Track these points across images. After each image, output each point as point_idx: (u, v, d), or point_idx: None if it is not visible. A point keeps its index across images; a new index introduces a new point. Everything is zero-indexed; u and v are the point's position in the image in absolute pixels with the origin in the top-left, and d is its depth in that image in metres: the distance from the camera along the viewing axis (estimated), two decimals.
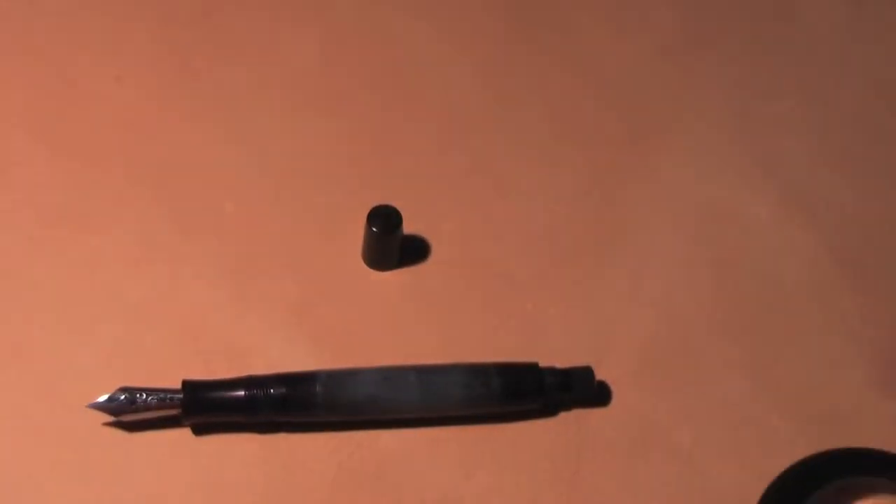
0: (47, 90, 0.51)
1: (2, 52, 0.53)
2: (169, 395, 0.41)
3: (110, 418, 0.41)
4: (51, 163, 0.49)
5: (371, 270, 0.48)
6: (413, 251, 0.48)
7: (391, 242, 0.47)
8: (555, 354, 0.45)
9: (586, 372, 0.43)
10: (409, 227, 0.47)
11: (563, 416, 0.44)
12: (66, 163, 0.49)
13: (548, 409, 0.44)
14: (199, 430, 0.42)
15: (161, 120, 0.51)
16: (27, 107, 0.51)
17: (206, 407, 0.41)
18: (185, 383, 0.41)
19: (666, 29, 0.56)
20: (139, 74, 0.53)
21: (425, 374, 0.42)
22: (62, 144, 0.50)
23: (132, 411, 0.41)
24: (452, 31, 0.56)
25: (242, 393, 0.41)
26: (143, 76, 0.53)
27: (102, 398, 0.41)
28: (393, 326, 0.46)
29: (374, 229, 0.46)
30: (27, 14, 0.54)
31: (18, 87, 0.52)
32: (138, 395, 0.41)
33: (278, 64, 0.54)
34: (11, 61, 0.52)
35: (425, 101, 0.53)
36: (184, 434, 0.42)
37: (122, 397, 0.41)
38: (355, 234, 0.47)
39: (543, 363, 0.44)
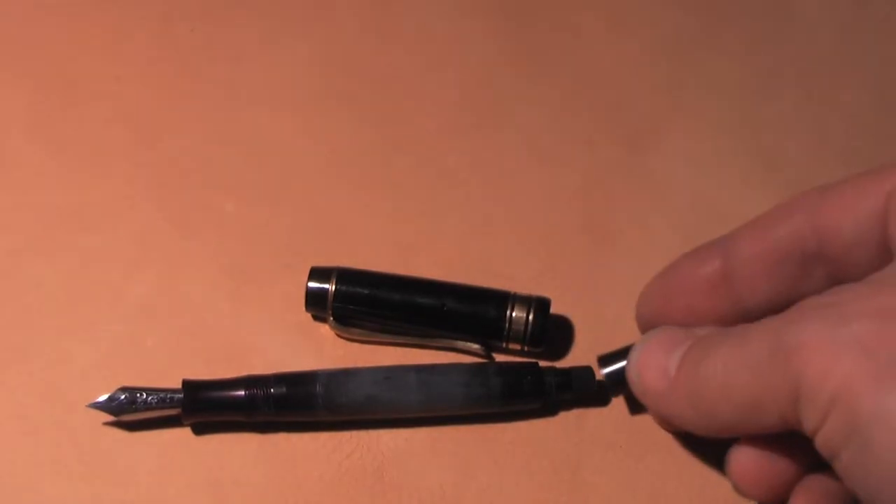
0: (47, 90, 0.52)
1: (1, 51, 0.53)
2: (169, 395, 0.41)
3: (110, 418, 0.41)
4: (51, 163, 0.49)
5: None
6: None
7: None
8: (555, 354, 0.45)
9: (586, 372, 0.43)
10: None
11: (563, 416, 0.44)
12: (66, 163, 0.49)
13: (548, 409, 0.44)
14: (199, 430, 0.42)
15: (161, 120, 0.51)
16: (27, 107, 0.51)
17: (206, 406, 0.41)
18: (185, 383, 0.41)
19: (665, 27, 0.56)
20: (139, 74, 0.53)
21: (425, 373, 0.42)
22: (62, 144, 0.50)
23: (132, 411, 0.41)
24: (452, 30, 0.56)
25: (242, 392, 0.41)
26: (143, 76, 0.53)
27: (102, 398, 0.41)
28: None
29: None
30: (27, 13, 0.54)
31: (18, 86, 0.52)
32: (138, 395, 0.41)
33: (278, 64, 0.54)
34: (11, 61, 0.52)
35: (425, 101, 0.53)
36: (184, 434, 0.42)
37: (122, 397, 0.41)
38: (355, 233, 0.47)
39: (543, 363, 0.44)
